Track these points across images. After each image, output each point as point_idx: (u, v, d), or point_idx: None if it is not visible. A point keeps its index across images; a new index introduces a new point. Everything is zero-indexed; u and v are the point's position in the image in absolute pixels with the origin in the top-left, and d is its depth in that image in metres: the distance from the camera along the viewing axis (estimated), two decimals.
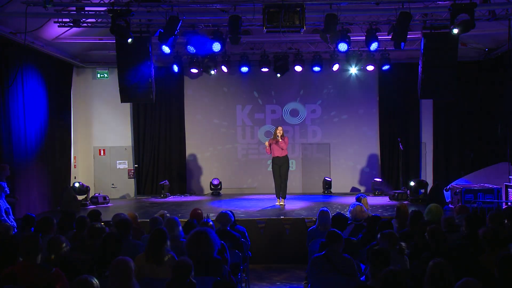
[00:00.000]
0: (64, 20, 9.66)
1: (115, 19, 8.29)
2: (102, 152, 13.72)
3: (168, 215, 6.67)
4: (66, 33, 10.67)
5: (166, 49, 9.61)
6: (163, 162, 13.82)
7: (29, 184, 10.25)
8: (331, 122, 13.91)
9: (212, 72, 12.93)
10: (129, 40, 8.64)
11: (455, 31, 8.33)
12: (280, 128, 10.55)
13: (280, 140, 10.36)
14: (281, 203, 10.73)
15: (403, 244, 4.97)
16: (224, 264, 4.83)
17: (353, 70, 13.24)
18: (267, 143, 10.60)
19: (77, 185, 11.76)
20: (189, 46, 10.13)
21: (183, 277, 3.96)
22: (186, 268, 3.99)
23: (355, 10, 9.35)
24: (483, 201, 9.49)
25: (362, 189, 13.59)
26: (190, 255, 4.48)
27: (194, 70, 13.05)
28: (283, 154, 10.53)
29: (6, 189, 8.11)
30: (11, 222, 7.69)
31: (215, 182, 13.37)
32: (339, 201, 11.40)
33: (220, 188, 13.39)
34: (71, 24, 9.72)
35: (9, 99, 9.55)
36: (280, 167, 10.57)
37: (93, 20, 9.72)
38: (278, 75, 12.71)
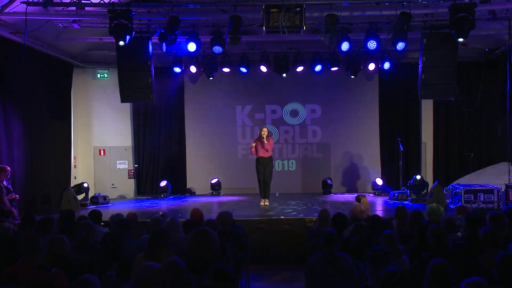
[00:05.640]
0: (64, 20, 9.66)
1: (114, 19, 8.28)
2: (102, 152, 13.72)
3: (167, 215, 6.68)
4: (66, 33, 10.66)
5: (166, 49, 9.60)
6: (163, 162, 13.81)
7: (29, 184, 10.24)
8: (331, 122, 13.90)
9: (213, 76, 12.97)
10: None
11: (461, 40, 8.33)
12: (265, 129, 10.56)
13: (266, 141, 10.36)
14: (265, 203, 10.70)
15: (400, 246, 4.98)
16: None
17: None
18: (253, 144, 10.59)
19: (85, 185, 11.72)
20: (188, 45, 10.12)
21: (178, 278, 3.88)
22: (180, 270, 3.89)
23: (355, 10, 9.34)
24: (483, 201, 9.48)
25: (362, 189, 13.59)
26: (190, 255, 4.47)
27: (194, 70, 13.04)
28: (268, 155, 10.54)
29: (5, 190, 8.10)
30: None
31: (215, 182, 13.37)
32: (339, 201, 11.38)
33: (220, 188, 13.39)
34: (71, 24, 9.72)
35: (9, 99, 9.53)
36: (265, 167, 10.57)
37: (93, 20, 9.71)
38: (284, 74, 12.73)
